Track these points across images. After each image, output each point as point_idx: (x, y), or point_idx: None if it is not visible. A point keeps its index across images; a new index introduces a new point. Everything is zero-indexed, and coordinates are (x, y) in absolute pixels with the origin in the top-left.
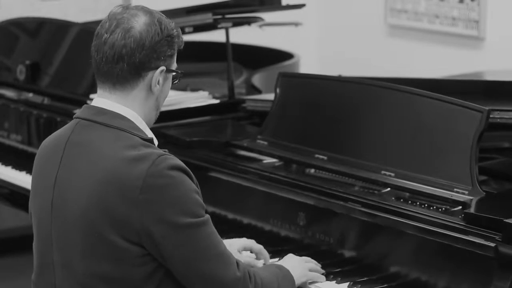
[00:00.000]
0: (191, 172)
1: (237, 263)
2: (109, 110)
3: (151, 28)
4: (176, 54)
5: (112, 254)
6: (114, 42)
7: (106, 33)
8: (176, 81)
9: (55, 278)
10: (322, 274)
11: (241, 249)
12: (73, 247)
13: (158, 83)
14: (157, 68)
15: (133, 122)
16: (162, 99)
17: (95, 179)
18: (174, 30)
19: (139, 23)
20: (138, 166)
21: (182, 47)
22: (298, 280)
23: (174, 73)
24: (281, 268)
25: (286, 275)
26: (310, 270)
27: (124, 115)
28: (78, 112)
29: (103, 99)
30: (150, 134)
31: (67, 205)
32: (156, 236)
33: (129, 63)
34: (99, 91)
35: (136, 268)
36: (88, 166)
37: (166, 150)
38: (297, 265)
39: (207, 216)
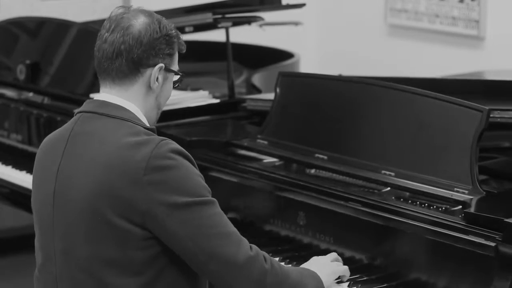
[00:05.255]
0: (193, 159)
1: (250, 245)
2: (111, 103)
3: (150, 26)
4: (176, 56)
5: (116, 237)
6: (113, 39)
7: (107, 33)
8: (177, 85)
9: (56, 268)
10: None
11: None
12: (76, 233)
13: (157, 80)
14: (155, 65)
15: (134, 114)
16: (163, 99)
17: (99, 164)
18: (173, 31)
19: (138, 22)
20: (142, 149)
21: (183, 50)
22: (327, 278)
23: (175, 75)
24: (305, 268)
25: (311, 273)
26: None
27: (126, 107)
28: (80, 107)
29: (104, 94)
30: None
31: (70, 191)
32: (160, 216)
33: (128, 59)
34: (101, 89)
35: (138, 252)
36: (92, 153)
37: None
38: (322, 265)
39: (214, 199)
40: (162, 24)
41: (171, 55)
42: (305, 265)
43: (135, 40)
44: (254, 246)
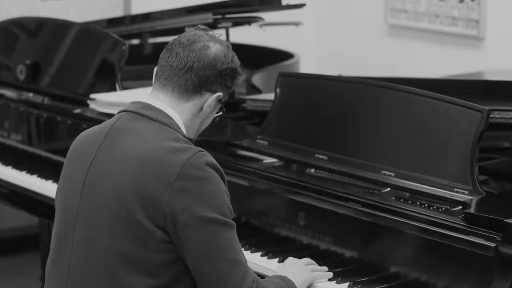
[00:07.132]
0: (225, 176)
1: (253, 277)
2: (155, 107)
3: (225, 56)
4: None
5: (137, 235)
6: (187, 54)
7: (182, 45)
8: (216, 118)
9: (71, 257)
10: (327, 271)
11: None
12: (100, 225)
13: (209, 107)
14: (215, 92)
15: (176, 123)
16: (203, 127)
17: (134, 160)
18: (239, 69)
19: (215, 46)
20: (179, 155)
21: (231, 89)
22: (302, 286)
23: (219, 108)
24: (285, 280)
25: (290, 286)
26: (312, 271)
27: (170, 115)
28: (124, 107)
29: (153, 99)
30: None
31: (101, 182)
32: (181, 223)
33: (197, 76)
34: (153, 92)
35: (157, 254)
36: (129, 149)
37: (205, 150)
38: (298, 270)
39: (234, 222)
40: (235, 58)
41: (228, 89)
42: (281, 268)
43: (209, 62)
44: (256, 278)
